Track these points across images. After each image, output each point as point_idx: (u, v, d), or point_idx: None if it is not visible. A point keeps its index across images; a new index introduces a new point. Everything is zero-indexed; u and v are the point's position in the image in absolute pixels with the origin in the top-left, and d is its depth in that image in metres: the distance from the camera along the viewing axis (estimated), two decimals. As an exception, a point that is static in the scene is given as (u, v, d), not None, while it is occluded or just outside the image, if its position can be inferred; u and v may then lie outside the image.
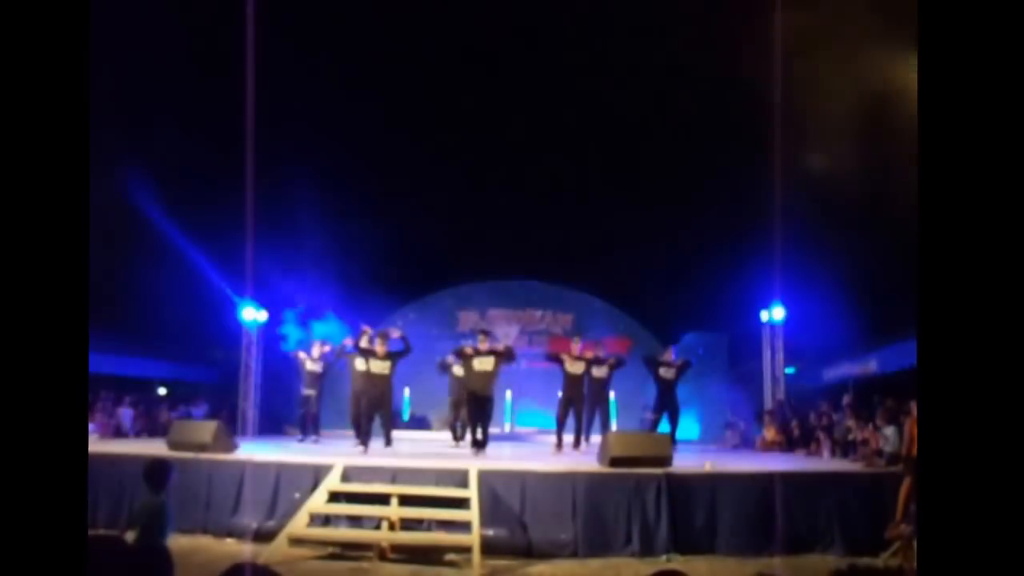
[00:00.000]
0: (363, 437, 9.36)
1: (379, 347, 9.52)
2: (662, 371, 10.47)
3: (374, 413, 9.77)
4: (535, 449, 9.98)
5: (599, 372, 10.23)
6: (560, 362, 9.95)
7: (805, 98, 11.14)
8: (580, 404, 10.02)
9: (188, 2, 12.35)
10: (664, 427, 10.32)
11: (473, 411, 9.31)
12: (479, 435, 9.10)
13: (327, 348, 11.13)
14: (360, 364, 9.97)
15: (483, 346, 9.19)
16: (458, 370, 10.36)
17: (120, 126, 11.07)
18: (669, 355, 10.70)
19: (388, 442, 9.62)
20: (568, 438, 10.04)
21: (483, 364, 9.02)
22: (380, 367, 9.43)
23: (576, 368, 9.96)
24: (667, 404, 10.40)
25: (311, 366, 11.08)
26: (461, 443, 9.17)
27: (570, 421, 10.34)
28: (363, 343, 9.75)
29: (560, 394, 10.09)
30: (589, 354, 10.17)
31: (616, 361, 10.48)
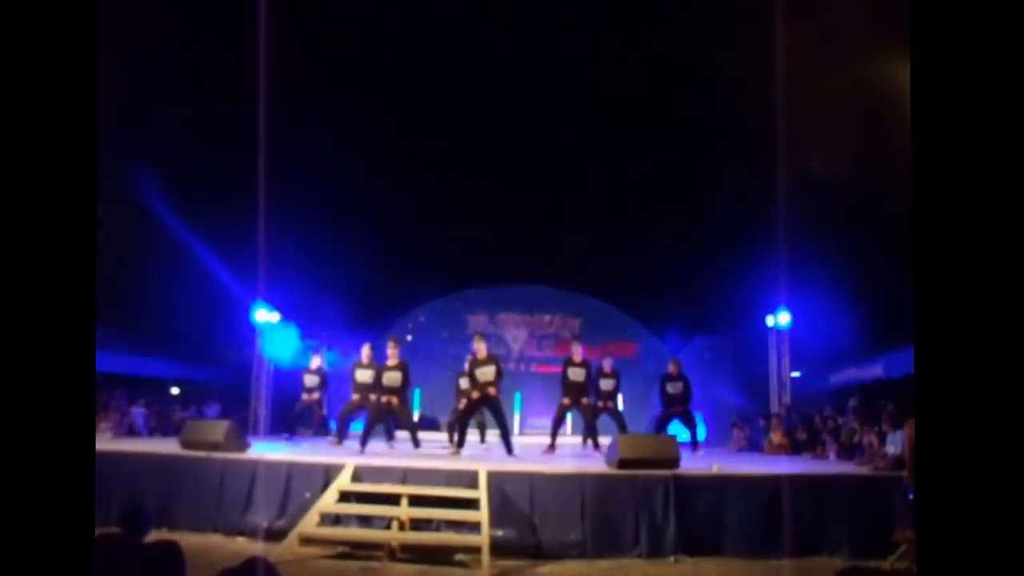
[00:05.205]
0: (363, 440, 9.43)
1: (391, 351, 9.64)
2: (669, 387, 10.56)
3: (382, 421, 9.93)
4: (544, 452, 10.03)
5: (606, 385, 10.33)
6: (564, 371, 10.09)
7: (810, 100, 11.18)
8: (582, 409, 10.11)
9: (200, 3, 12.48)
10: (673, 429, 10.39)
11: (471, 416, 9.55)
12: (503, 441, 9.19)
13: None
14: (363, 375, 10.15)
15: (481, 354, 9.29)
16: (465, 382, 10.54)
17: (132, 126, 11.20)
18: (673, 366, 10.78)
19: (416, 444, 9.72)
20: (567, 440, 10.15)
21: (485, 374, 9.11)
22: (391, 378, 9.51)
23: (577, 376, 10.07)
24: (678, 413, 10.48)
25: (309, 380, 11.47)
26: (460, 450, 9.24)
27: (574, 424, 10.46)
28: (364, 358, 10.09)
29: (562, 399, 10.18)
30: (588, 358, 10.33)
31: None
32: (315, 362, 11.61)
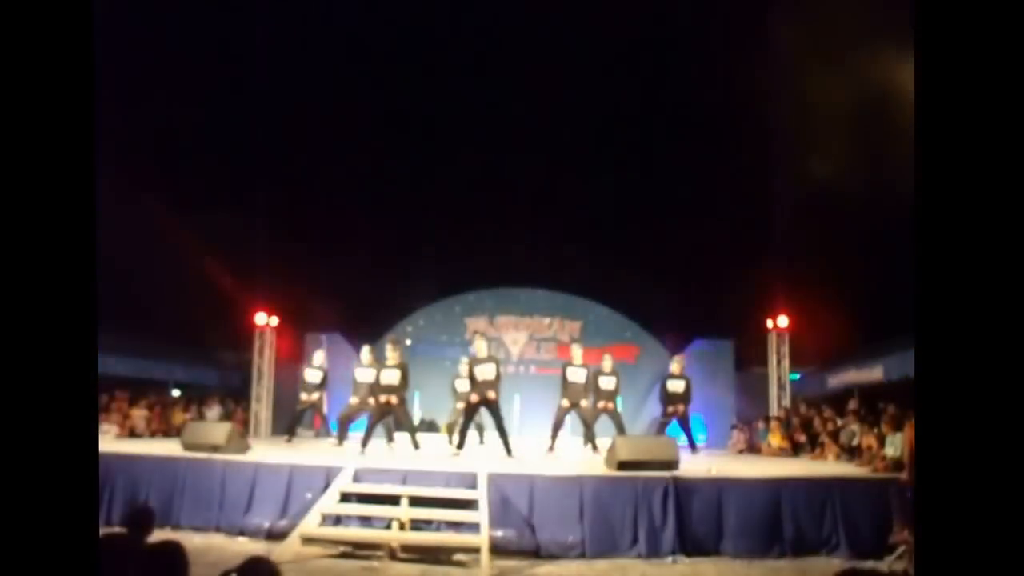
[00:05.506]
0: (364, 441, 9.46)
1: (390, 353, 9.67)
2: (670, 385, 10.58)
3: (382, 420, 9.95)
4: (543, 453, 10.04)
5: (607, 384, 10.35)
6: (564, 373, 10.11)
7: (810, 100, 11.21)
8: (581, 411, 10.12)
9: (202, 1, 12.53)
10: (672, 431, 10.40)
11: (472, 419, 9.53)
12: (502, 442, 9.19)
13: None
14: (364, 376, 10.15)
15: (481, 353, 9.32)
16: (461, 384, 10.58)
17: (133, 127, 11.23)
18: (676, 365, 10.78)
19: (415, 445, 9.75)
20: (566, 442, 10.17)
21: (485, 373, 9.12)
22: (390, 377, 9.54)
23: (578, 376, 10.09)
24: (677, 413, 10.49)
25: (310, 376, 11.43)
26: (460, 451, 9.26)
27: (573, 426, 10.47)
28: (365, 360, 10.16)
29: (561, 401, 10.19)
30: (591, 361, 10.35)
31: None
32: (318, 358, 11.57)
